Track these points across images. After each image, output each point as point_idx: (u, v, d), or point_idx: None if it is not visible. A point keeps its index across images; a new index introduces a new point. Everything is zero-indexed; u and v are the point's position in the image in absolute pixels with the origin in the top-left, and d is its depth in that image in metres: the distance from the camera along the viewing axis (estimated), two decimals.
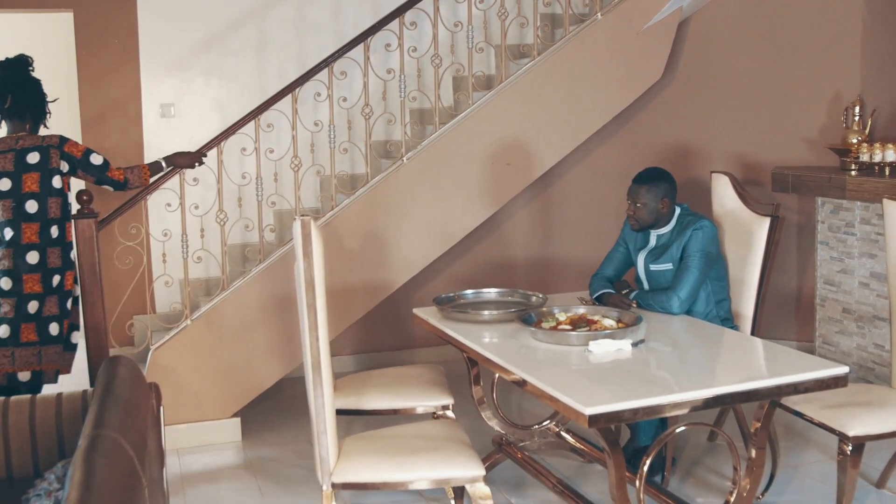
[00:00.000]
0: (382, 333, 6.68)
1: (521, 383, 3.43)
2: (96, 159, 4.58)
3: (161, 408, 3.51)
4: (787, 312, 6.54)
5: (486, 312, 4.20)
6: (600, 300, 4.41)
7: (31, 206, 4.40)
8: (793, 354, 3.66)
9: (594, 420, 3.00)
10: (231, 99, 6.34)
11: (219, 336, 5.29)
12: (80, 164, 4.53)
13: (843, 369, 3.36)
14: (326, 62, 5.36)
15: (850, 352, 5.95)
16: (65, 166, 4.49)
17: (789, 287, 6.50)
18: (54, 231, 4.46)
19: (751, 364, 3.71)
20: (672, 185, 4.43)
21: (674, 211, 4.46)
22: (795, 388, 3.32)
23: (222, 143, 5.26)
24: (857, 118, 5.96)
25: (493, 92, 5.68)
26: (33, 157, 4.42)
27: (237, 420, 5.37)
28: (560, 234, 7.00)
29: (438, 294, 4.58)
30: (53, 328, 4.46)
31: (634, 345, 3.69)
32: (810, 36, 6.32)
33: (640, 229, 4.48)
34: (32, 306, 4.41)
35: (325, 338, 3.41)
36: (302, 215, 3.40)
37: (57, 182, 4.45)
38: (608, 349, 3.62)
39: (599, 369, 3.50)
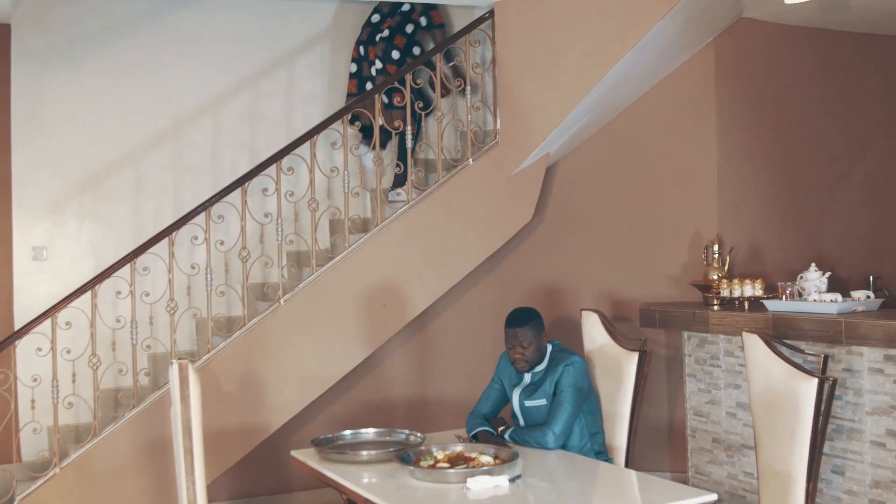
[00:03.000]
0: (260, 477, 6.56)
1: None
2: None
3: None
4: (660, 444, 6.68)
5: (365, 453, 4.20)
6: (477, 438, 4.47)
7: None
8: (664, 485, 3.77)
9: None
10: (106, 241, 6.30)
11: (89, 484, 5.15)
12: None
13: (711, 497, 3.48)
14: (204, 206, 5.42)
15: (722, 480, 6.10)
16: None
17: (661, 419, 6.66)
18: None
19: (625, 496, 3.80)
20: (542, 321, 4.58)
21: (546, 348, 4.59)
22: None
23: (97, 287, 5.21)
24: (716, 255, 6.25)
25: (369, 234, 5.80)
26: None
27: None
28: (437, 373, 7.05)
29: (317, 435, 4.56)
30: None
31: (512, 480, 3.74)
32: (670, 178, 6.65)
33: (529, 368, 4.57)
34: None
35: (203, 482, 3.37)
36: (178, 359, 3.40)
37: None
38: (486, 485, 3.66)
39: None
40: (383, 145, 6.42)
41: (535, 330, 4.51)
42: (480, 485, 3.66)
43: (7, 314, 6.05)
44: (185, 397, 3.29)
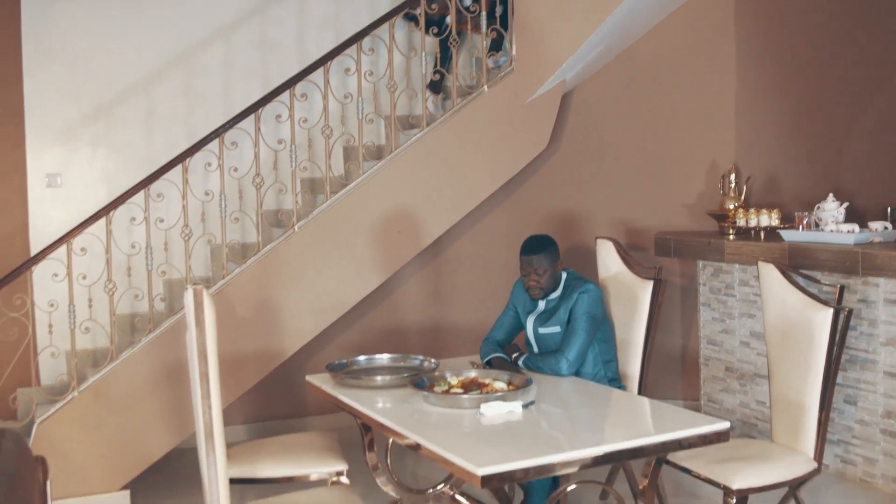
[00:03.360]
0: (275, 401, 6.63)
1: (416, 447, 3.47)
2: None
3: (48, 482, 3.43)
4: (673, 372, 6.72)
5: (379, 378, 4.23)
6: (490, 364, 4.49)
7: None
8: (677, 412, 3.78)
9: (487, 480, 3.04)
10: (118, 169, 6.29)
11: (107, 407, 5.20)
12: None
13: (724, 425, 3.49)
14: (217, 133, 5.39)
15: (734, 409, 6.14)
16: None
17: (675, 347, 6.69)
18: None
19: (637, 422, 3.82)
20: (557, 249, 4.57)
21: (561, 276, 4.59)
22: (680, 444, 3.42)
23: (111, 213, 5.21)
24: (732, 185, 6.22)
25: (383, 161, 5.77)
26: None
27: (126, 493, 5.26)
28: (451, 300, 7.08)
29: (331, 361, 4.59)
30: None
31: (525, 406, 3.76)
32: (687, 107, 6.60)
33: (543, 296, 4.57)
34: None
35: (218, 406, 3.39)
36: (193, 284, 3.40)
37: None
38: (499, 411, 3.68)
39: (491, 431, 3.56)
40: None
41: (550, 257, 4.50)
42: (494, 410, 3.68)
43: (23, 241, 6.07)
44: (199, 322, 3.30)
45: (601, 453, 3.26)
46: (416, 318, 7.01)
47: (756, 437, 5.93)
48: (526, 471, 3.13)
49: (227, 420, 6.31)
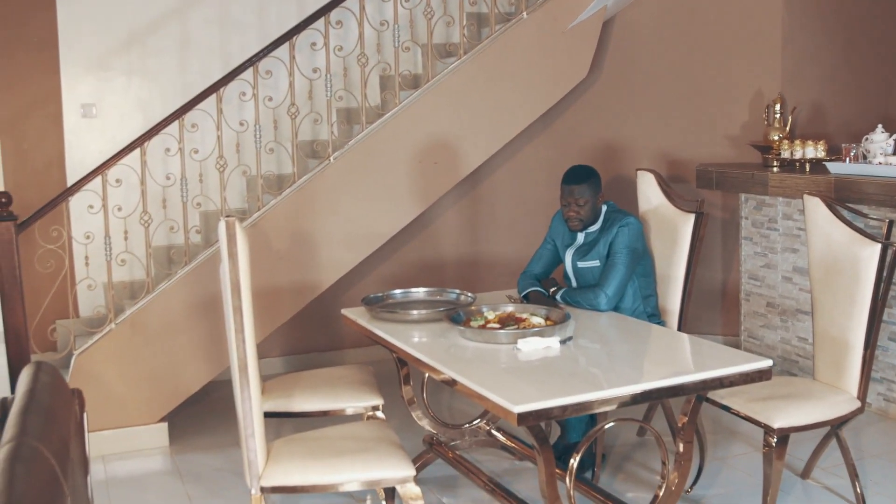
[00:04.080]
0: (311, 334, 6.63)
1: (451, 383, 3.43)
2: None
3: (84, 414, 3.42)
4: (713, 307, 6.63)
5: (415, 312, 4.19)
6: (528, 298, 4.43)
7: None
8: (718, 349, 3.71)
9: (523, 418, 3.00)
10: (154, 98, 6.23)
11: (144, 340, 5.21)
12: None
13: (766, 363, 3.41)
14: (251, 61, 5.30)
15: (775, 345, 6.05)
16: None
17: (715, 282, 6.60)
18: None
19: (677, 359, 3.75)
20: (600, 180, 4.47)
21: (601, 208, 4.49)
22: (721, 382, 3.35)
23: (145, 144, 5.16)
24: (777, 116, 6.06)
25: (420, 91, 5.67)
26: None
27: (164, 425, 5.29)
28: (488, 233, 7.02)
29: (367, 294, 4.55)
30: None
31: (562, 342, 3.70)
32: (731, 35, 6.42)
33: (582, 228, 4.49)
34: None
35: (252, 340, 3.37)
36: (227, 216, 3.35)
37: None
38: (536, 347, 3.63)
39: (528, 367, 3.51)
40: None
41: (592, 189, 4.41)
42: (531, 346, 3.63)
43: (60, 172, 6.05)
44: (232, 255, 3.25)
45: (640, 391, 3.21)
46: (454, 251, 6.95)
47: (797, 374, 5.85)
48: (563, 408, 3.08)
49: (264, 353, 6.38)
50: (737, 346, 6.29)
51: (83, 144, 6.10)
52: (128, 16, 6.17)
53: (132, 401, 5.21)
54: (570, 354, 3.62)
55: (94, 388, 5.03)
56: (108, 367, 5.15)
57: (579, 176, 4.43)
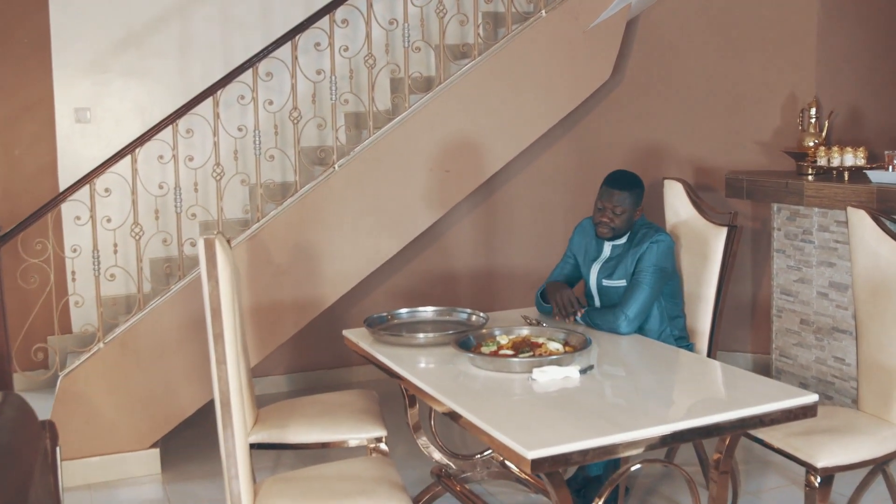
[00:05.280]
0: (317, 351, 6.29)
1: (456, 416, 3.08)
2: None
3: (58, 448, 3.10)
4: (743, 323, 6.27)
5: (421, 335, 3.84)
6: (544, 297, 4.16)
7: None
8: (755, 381, 3.33)
9: (538, 465, 2.65)
10: (153, 102, 5.93)
11: (135, 360, 4.88)
12: None
13: (811, 398, 3.05)
14: (251, 62, 4.96)
15: (809, 365, 5.67)
16: None
17: (744, 297, 6.23)
18: None
19: (710, 393, 3.38)
20: (643, 193, 4.12)
21: (635, 223, 4.15)
22: (760, 420, 2.99)
23: (137, 151, 4.84)
24: (813, 120, 5.69)
25: (432, 94, 5.32)
26: None
27: (156, 451, 4.96)
28: (505, 244, 6.67)
29: (374, 310, 4.21)
30: None
31: (583, 371, 3.34)
32: (762, 33, 6.07)
33: (611, 238, 4.13)
34: None
35: (237, 371, 3.03)
36: (216, 232, 3.02)
37: None
38: (554, 377, 3.28)
39: (544, 401, 3.15)
40: None
41: (633, 199, 4.05)
42: (548, 376, 3.28)
43: (52, 180, 5.76)
44: (212, 277, 2.91)
45: (670, 432, 2.84)
46: (467, 264, 6.61)
47: (833, 396, 5.47)
48: (584, 453, 2.72)
49: (267, 371, 6.07)
50: (767, 364, 5.94)
51: (76, 151, 5.81)
52: (125, 15, 5.90)
53: (122, 425, 4.89)
54: (592, 386, 3.26)
55: (80, 411, 4.75)
56: (96, 389, 4.83)
57: (625, 181, 4.07)
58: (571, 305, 4.01)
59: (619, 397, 3.27)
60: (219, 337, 2.94)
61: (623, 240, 4.14)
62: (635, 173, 4.16)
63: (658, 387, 3.40)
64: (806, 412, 3.05)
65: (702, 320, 4.35)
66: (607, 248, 4.18)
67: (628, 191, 4.04)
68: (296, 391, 6.19)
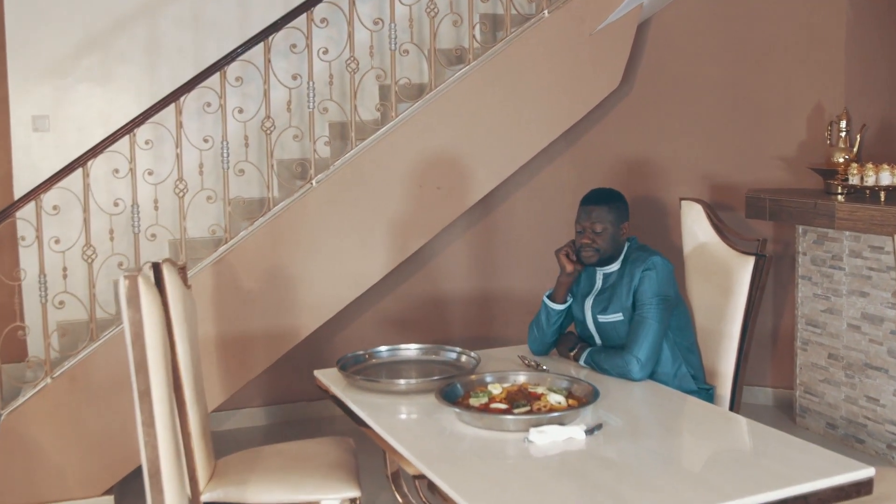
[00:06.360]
0: (297, 382, 5.79)
1: (433, 487, 2.56)
2: None
3: None
4: (763, 355, 5.79)
5: (402, 381, 3.33)
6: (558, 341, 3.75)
7: None
8: (796, 445, 2.78)
9: None
10: (117, 110, 5.44)
11: (86, 396, 4.43)
12: None
13: (867, 472, 2.52)
14: (218, 65, 4.50)
15: (837, 404, 5.15)
16: None
17: (765, 326, 5.76)
18: None
19: (741, 463, 2.82)
20: (626, 208, 3.64)
21: (623, 244, 3.66)
22: (806, 501, 2.45)
23: (89, 164, 4.36)
24: (843, 134, 5.21)
25: (421, 102, 4.87)
26: None
27: (110, 499, 4.53)
28: (502, 268, 6.22)
29: (359, 338, 3.72)
30: None
31: (588, 432, 2.81)
32: (787, 40, 5.68)
33: (596, 262, 3.63)
34: None
35: (171, 435, 2.51)
36: (128, 272, 2.51)
37: None
38: (555, 439, 2.75)
39: (541, 469, 2.62)
40: None
41: (614, 214, 3.59)
42: (547, 438, 2.75)
43: (6, 194, 5.27)
44: (135, 324, 2.39)
45: None
46: (461, 289, 6.13)
47: (865, 440, 4.96)
48: None
49: (242, 402, 5.61)
50: (790, 401, 5.47)
51: (34, 162, 5.35)
52: (87, 16, 5.45)
53: (72, 469, 4.45)
54: (599, 452, 2.72)
55: (25, 453, 4.33)
56: (43, 429, 4.39)
57: (600, 196, 3.66)
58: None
59: (631, 467, 2.72)
60: (144, 395, 2.42)
61: (615, 266, 3.66)
62: (613, 188, 3.75)
63: (678, 453, 2.86)
64: (860, 489, 2.51)
65: (724, 361, 3.82)
66: (599, 277, 3.71)
67: (606, 205, 3.61)
68: (273, 424, 5.71)
